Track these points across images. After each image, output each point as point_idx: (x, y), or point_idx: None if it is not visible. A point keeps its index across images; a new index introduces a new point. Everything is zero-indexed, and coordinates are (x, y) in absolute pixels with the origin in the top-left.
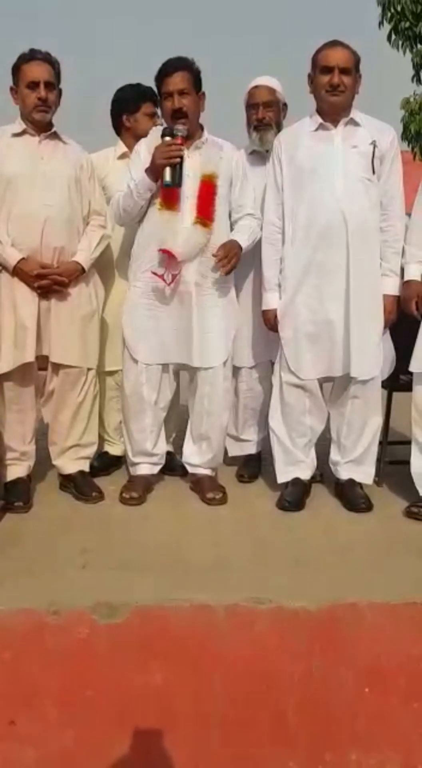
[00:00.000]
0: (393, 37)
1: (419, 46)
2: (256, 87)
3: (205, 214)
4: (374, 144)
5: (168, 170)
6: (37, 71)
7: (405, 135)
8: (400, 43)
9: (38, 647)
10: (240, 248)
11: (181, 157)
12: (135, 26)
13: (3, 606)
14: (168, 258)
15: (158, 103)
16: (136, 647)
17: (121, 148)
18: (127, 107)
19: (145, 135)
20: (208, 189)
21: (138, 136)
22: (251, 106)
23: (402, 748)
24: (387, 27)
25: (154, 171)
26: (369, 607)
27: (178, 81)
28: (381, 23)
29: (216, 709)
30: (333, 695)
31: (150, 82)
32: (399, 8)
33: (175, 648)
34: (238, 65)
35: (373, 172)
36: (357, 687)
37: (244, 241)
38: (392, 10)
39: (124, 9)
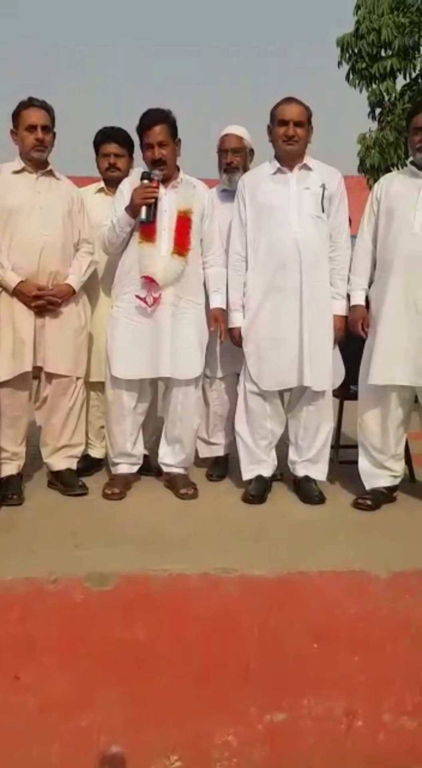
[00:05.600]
0: (351, 76)
1: (374, 85)
2: (226, 135)
3: (181, 245)
4: (323, 186)
5: (144, 209)
6: (35, 116)
7: (362, 167)
8: (357, 82)
9: (40, 610)
10: (224, 310)
11: (156, 198)
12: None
13: (9, 575)
14: (149, 283)
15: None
16: (123, 609)
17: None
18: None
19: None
20: (183, 223)
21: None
22: (222, 151)
23: (345, 694)
24: (345, 67)
25: (133, 209)
26: (318, 575)
27: (157, 134)
28: (340, 63)
29: (189, 660)
30: (288, 649)
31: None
32: (356, 50)
33: (155, 609)
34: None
35: (323, 210)
36: (308, 642)
37: (222, 301)
38: (350, 52)
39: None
